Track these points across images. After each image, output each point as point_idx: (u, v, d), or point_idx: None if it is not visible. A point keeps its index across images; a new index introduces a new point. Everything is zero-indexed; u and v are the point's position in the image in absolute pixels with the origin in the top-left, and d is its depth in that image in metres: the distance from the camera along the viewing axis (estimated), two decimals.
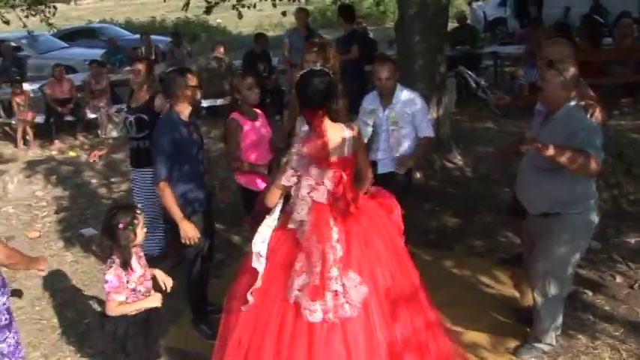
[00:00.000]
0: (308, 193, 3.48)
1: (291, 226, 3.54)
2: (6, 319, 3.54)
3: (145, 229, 3.66)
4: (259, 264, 3.50)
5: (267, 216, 3.61)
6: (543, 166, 3.79)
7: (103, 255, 3.61)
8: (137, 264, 3.65)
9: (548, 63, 3.83)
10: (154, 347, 3.85)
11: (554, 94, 3.76)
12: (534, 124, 4.09)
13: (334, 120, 3.53)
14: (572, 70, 3.74)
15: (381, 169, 5.10)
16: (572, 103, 3.78)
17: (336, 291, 3.32)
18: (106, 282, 3.52)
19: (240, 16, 9.49)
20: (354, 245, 3.47)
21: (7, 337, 3.56)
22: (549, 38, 10.11)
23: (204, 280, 4.71)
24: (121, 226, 3.49)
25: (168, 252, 5.79)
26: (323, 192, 3.49)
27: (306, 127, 3.58)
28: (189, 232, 4.26)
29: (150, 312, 3.71)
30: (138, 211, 3.61)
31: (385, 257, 3.57)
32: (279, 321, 3.39)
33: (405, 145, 5.10)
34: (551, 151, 3.46)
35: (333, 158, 3.47)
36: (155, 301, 3.72)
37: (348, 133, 3.52)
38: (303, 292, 3.34)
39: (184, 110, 4.35)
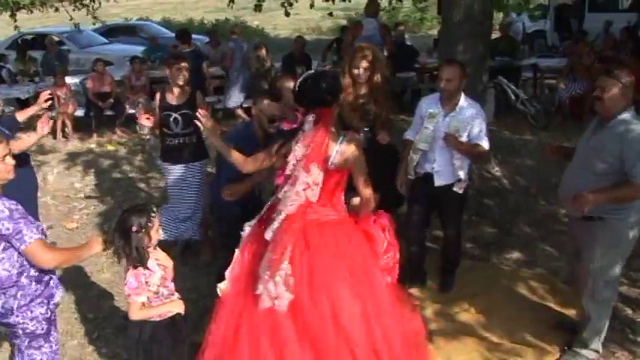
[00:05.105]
0: (303, 189, 3.47)
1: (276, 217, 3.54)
2: (42, 329, 3.45)
3: (159, 232, 3.58)
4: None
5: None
6: (598, 171, 3.76)
7: (115, 255, 3.49)
8: (155, 265, 3.55)
9: (605, 72, 3.77)
10: (181, 352, 3.72)
11: (612, 103, 3.71)
12: (587, 131, 4.04)
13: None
14: (629, 79, 3.71)
15: (437, 182, 4.76)
16: (628, 113, 3.74)
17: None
18: (126, 284, 3.46)
19: (287, 13, 10.03)
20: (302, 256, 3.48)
21: (41, 346, 3.49)
22: (592, 52, 10.12)
23: None
24: (134, 228, 3.36)
25: (203, 248, 5.84)
26: (315, 193, 3.50)
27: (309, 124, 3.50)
28: None
29: (175, 315, 3.63)
30: (152, 214, 3.47)
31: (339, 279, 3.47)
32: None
33: (463, 158, 4.71)
34: (589, 200, 3.60)
35: (330, 165, 3.48)
36: (177, 306, 3.64)
37: (340, 144, 3.49)
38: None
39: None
